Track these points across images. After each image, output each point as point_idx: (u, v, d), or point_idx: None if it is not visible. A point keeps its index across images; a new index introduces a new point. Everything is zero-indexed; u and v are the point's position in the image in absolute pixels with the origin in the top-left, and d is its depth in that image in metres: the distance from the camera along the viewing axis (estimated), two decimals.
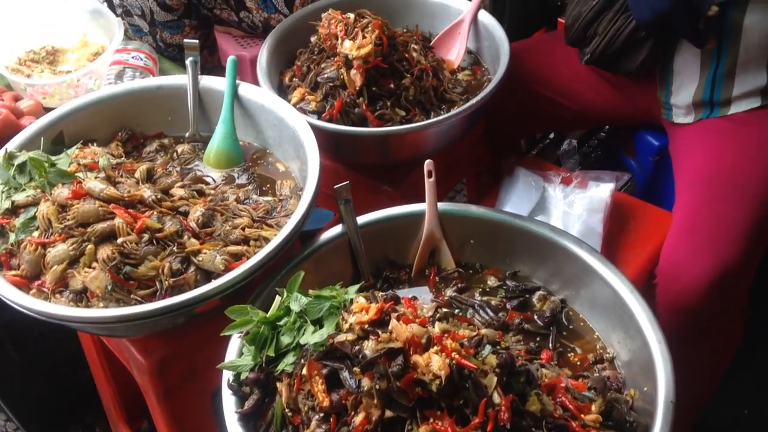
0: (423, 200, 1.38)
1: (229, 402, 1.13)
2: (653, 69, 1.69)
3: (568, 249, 1.30)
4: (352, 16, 1.61)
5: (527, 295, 1.35)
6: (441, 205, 1.39)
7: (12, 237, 1.31)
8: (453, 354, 0.96)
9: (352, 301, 1.07)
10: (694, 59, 1.59)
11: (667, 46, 1.63)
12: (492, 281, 1.39)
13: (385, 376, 0.97)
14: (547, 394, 1.09)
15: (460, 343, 0.99)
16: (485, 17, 1.82)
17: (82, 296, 1.24)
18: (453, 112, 1.57)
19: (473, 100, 1.59)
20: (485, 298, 1.35)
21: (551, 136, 2.31)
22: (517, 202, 1.68)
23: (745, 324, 1.67)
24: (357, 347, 1.00)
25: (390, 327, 0.99)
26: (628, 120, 1.87)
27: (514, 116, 1.94)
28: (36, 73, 2.08)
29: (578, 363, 1.24)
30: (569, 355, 1.26)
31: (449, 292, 1.37)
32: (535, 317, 1.31)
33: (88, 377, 1.90)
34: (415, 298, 1.32)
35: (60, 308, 1.21)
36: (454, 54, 1.82)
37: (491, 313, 1.31)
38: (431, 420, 0.96)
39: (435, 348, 0.97)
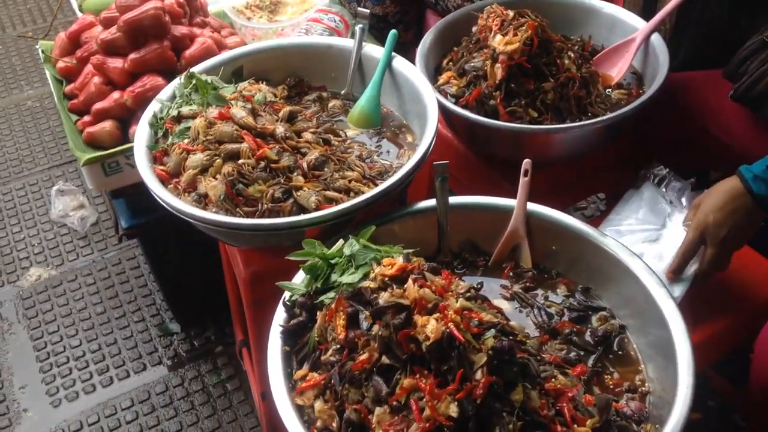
0: (538, 202, 1.43)
1: (279, 316, 1.29)
2: None
3: (636, 276, 1.30)
4: (511, 13, 1.68)
5: (589, 312, 1.36)
6: (531, 206, 1.44)
7: (170, 139, 1.58)
8: (450, 324, 1.04)
9: None
10: None
11: None
12: (562, 290, 1.41)
13: (389, 326, 1.07)
14: (554, 397, 1.12)
15: (464, 318, 1.06)
16: (656, 39, 1.78)
17: (202, 200, 1.48)
18: (581, 123, 1.59)
19: (607, 115, 1.59)
20: (548, 303, 1.38)
21: None
22: (631, 212, 1.62)
23: None
24: (375, 295, 1.12)
25: (405, 285, 1.09)
26: None
27: (670, 146, 1.88)
28: (255, 18, 2.39)
29: (611, 386, 1.24)
30: (606, 376, 1.26)
31: (516, 288, 1.41)
32: (588, 333, 1.32)
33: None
34: (480, 284, 1.41)
35: (179, 203, 1.46)
36: (616, 70, 1.81)
37: (545, 317, 1.35)
38: (417, 376, 1.05)
39: (437, 315, 1.06)
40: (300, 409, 1.18)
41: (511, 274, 1.44)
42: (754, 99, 1.61)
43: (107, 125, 1.94)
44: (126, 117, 1.97)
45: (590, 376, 1.24)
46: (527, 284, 1.42)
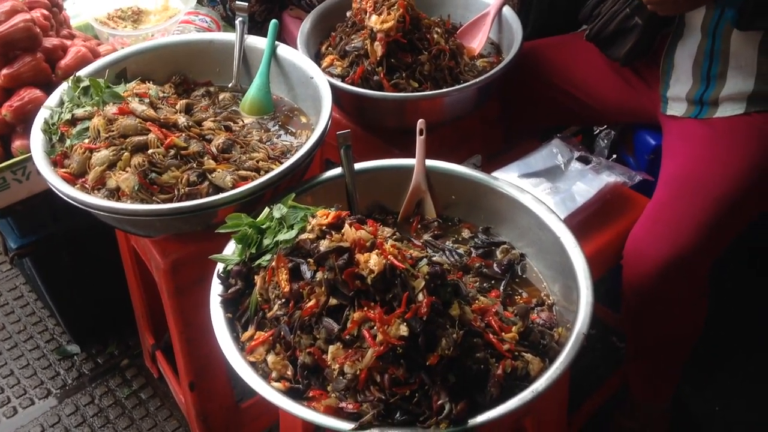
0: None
1: (216, 289, 1.35)
2: (658, 63, 1.85)
3: (528, 208, 1.48)
4: None
5: (493, 247, 1.53)
6: (429, 162, 1.59)
7: (68, 142, 1.59)
8: (389, 256, 1.16)
9: None
10: (691, 55, 1.74)
11: (670, 41, 1.79)
12: (466, 233, 1.57)
13: (333, 269, 1.17)
14: (480, 314, 1.27)
15: (399, 252, 1.19)
16: (508, 11, 2.01)
17: (114, 194, 1.50)
18: (457, 87, 1.77)
19: (478, 78, 1.79)
20: (456, 246, 1.53)
21: None
22: (532, 161, 1.82)
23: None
24: (315, 245, 1.22)
25: (342, 230, 1.20)
26: (634, 117, 2.01)
27: (531, 105, 2.11)
28: (120, 28, 2.39)
29: (522, 304, 1.41)
30: (516, 297, 1.43)
31: (426, 237, 1.56)
32: (495, 265, 1.48)
33: (128, 294, 2.18)
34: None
35: (95, 200, 1.47)
36: (477, 42, 2.01)
37: (456, 257, 1.50)
38: (365, 308, 1.16)
39: (376, 251, 1.17)
40: (253, 366, 1.25)
41: (418, 226, 1.58)
42: (606, 39, 1.87)
43: None
44: (6, 133, 1.92)
45: (504, 299, 1.40)
46: (435, 233, 1.56)
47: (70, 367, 2.36)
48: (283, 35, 2.54)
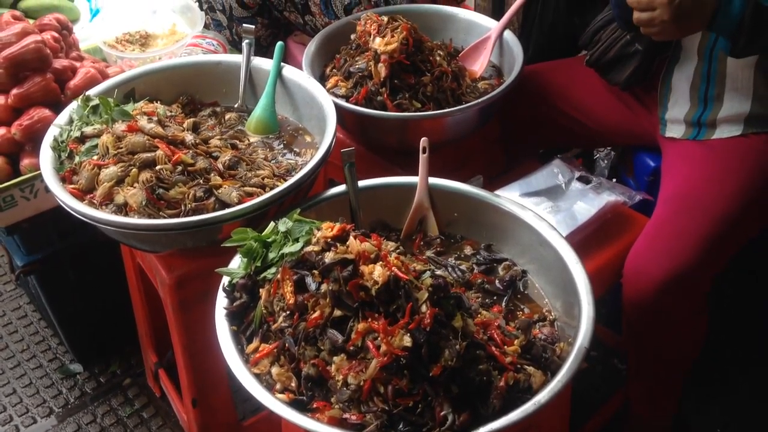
0: None
1: (221, 301, 1.37)
2: (656, 87, 1.88)
3: (530, 224, 1.50)
4: (386, 18, 1.87)
5: (494, 264, 1.54)
6: (431, 180, 1.61)
7: (77, 159, 1.61)
8: (393, 268, 1.18)
9: None
10: (688, 78, 1.78)
11: (667, 65, 1.82)
12: (468, 250, 1.59)
13: (337, 280, 1.19)
14: (483, 327, 1.29)
15: (403, 264, 1.21)
16: (509, 35, 2.05)
17: (122, 209, 1.52)
18: (459, 107, 1.80)
19: (481, 99, 1.82)
20: (458, 262, 1.55)
21: None
22: (533, 181, 1.86)
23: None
24: (320, 257, 1.24)
25: (347, 242, 1.22)
26: (634, 139, 2.05)
27: (531, 127, 2.14)
28: (128, 51, 2.44)
29: (524, 318, 1.42)
30: (518, 313, 1.44)
31: (428, 253, 1.57)
32: (497, 281, 1.50)
33: (131, 313, 2.19)
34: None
35: (104, 215, 1.49)
36: (478, 65, 2.05)
37: (459, 273, 1.52)
38: (369, 320, 1.17)
39: (380, 263, 1.19)
40: (257, 378, 1.26)
41: (421, 243, 1.60)
42: (606, 64, 1.91)
43: None
44: (15, 152, 1.95)
45: (505, 315, 1.42)
46: (437, 249, 1.58)
47: (73, 386, 2.37)
48: (288, 60, 2.58)
